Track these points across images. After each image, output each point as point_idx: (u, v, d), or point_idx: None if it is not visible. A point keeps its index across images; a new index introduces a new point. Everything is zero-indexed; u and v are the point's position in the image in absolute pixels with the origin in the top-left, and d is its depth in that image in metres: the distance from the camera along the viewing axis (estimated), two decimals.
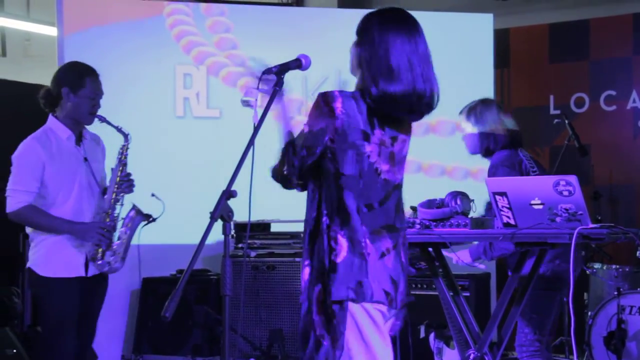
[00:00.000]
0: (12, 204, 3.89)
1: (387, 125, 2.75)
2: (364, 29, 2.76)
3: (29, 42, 8.56)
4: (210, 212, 2.61)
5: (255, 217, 5.57)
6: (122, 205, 4.04)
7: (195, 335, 5.51)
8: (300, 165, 2.73)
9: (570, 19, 7.12)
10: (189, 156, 6.22)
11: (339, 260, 2.67)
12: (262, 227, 5.70)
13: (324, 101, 2.70)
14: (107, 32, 6.16)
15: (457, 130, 4.73)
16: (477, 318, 4.03)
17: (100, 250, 3.95)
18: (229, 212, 2.65)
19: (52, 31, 7.30)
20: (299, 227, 5.59)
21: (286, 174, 2.76)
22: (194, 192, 6.04)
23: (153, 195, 4.11)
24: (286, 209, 5.73)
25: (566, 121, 6.17)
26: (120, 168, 4.02)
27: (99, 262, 3.95)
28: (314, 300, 2.70)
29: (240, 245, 5.54)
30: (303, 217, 5.44)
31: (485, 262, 4.11)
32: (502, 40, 7.09)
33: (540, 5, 7.26)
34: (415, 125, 2.89)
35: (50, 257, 3.92)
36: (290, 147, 2.76)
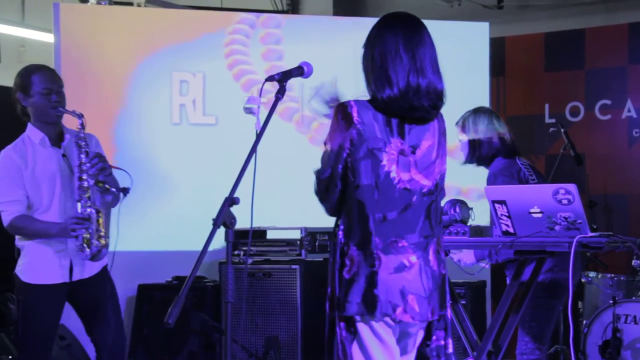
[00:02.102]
0: (5, 218, 3.90)
1: (406, 133, 2.72)
2: (367, 38, 2.77)
3: (24, 48, 8.55)
4: (213, 219, 2.62)
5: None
6: (88, 187, 3.88)
7: (191, 342, 5.50)
8: (326, 187, 2.71)
9: (566, 28, 7.14)
10: (184, 163, 6.22)
11: (348, 276, 2.66)
12: (258, 234, 5.69)
13: (341, 113, 2.69)
14: (103, 39, 6.15)
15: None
16: (473, 326, 4.04)
17: (85, 239, 3.84)
18: (232, 219, 2.66)
19: (47, 37, 7.28)
20: (295, 234, 5.62)
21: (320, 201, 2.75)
22: (189, 199, 6.04)
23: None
24: (282, 216, 5.76)
25: (562, 130, 6.19)
26: (81, 152, 3.88)
27: (86, 251, 3.85)
28: (335, 316, 2.69)
29: (236, 252, 5.53)
30: (299, 225, 5.50)
31: (487, 263, 4.10)
32: (498, 49, 7.10)
33: (536, 14, 7.29)
34: None
35: (34, 264, 3.93)
36: (316, 172, 2.75)
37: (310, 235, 5.52)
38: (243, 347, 5.31)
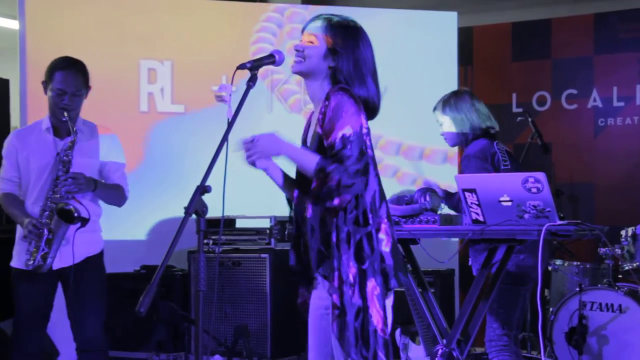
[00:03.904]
0: None
1: None
2: (341, 39, 2.81)
3: None
4: (185, 207, 2.61)
5: (220, 213, 5.53)
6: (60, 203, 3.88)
7: (159, 331, 5.47)
8: (355, 173, 2.67)
9: (533, 18, 7.20)
10: (152, 151, 6.18)
11: (389, 248, 2.76)
12: (227, 223, 5.67)
13: (352, 97, 2.74)
14: (70, 26, 6.08)
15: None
16: (442, 314, 4.06)
17: (34, 248, 3.89)
18: (204, 207, 2.65)
19: (11, 24, 7.19)
20: (265, 223, 5.60)
21: (338, 191, 2.67)
22: (155, 188, 5.99)
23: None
24: (251, 205, 5.74)
25: (529, 119, 6.24)
26: (63, 167, 3.92)
27: (30, 261, 3.89)
28: (367, 297, 2.72)
29: (205, 241, 5.50)
30: (268, 214, 5.48)
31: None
32: (466, 38, 7.13)
33: (503, 4, 7.34)
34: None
35: (16, 248, 4.07)
36: (328, 162, 2.70)
37: (280, 224, 5.51)
38: (213, 337, 5.30)
